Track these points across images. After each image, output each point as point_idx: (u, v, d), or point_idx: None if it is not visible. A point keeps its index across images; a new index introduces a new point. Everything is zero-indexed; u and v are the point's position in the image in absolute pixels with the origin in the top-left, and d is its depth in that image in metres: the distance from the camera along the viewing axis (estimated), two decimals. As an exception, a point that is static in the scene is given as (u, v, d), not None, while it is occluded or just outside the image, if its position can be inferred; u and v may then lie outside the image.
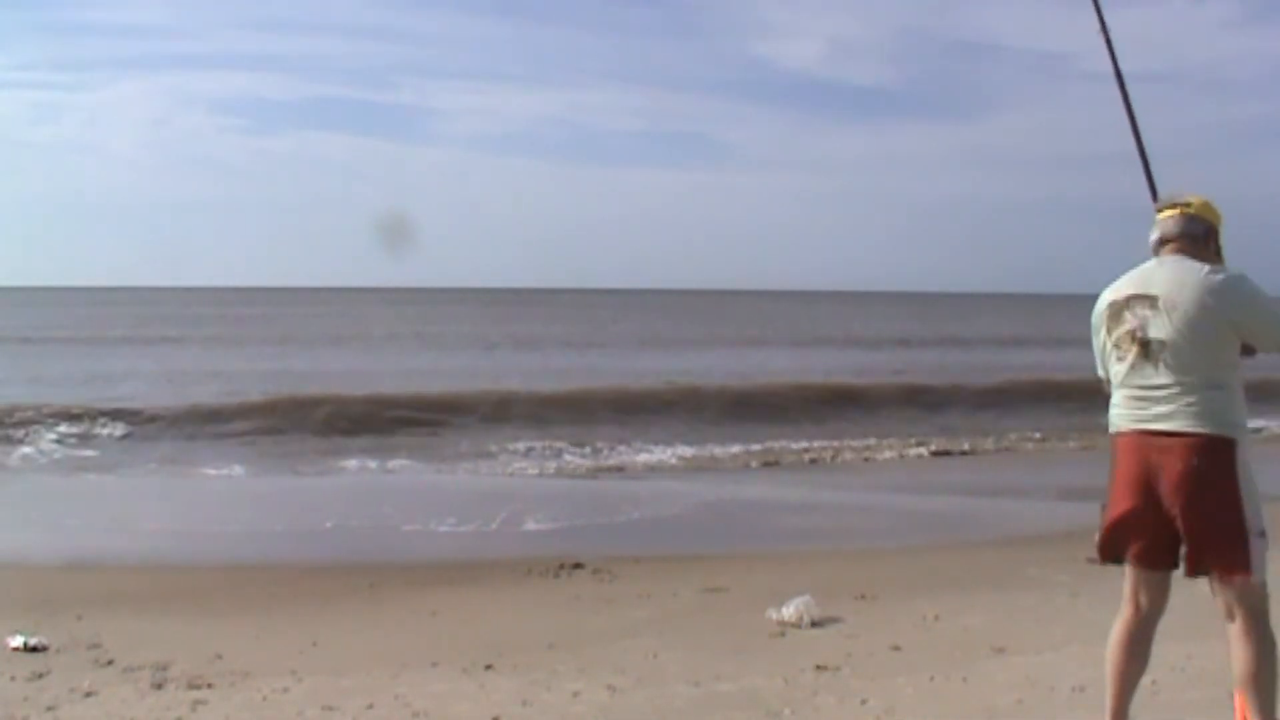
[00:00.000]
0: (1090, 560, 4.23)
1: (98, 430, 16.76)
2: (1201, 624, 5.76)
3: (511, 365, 29.71)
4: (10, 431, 16.25)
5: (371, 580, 8.10)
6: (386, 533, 10.42)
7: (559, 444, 16.03)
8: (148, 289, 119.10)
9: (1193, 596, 6.96)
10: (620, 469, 14.60)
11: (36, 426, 16.50)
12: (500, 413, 19.16)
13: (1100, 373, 3.92)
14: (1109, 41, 4.32)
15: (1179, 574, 3.84)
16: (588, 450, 15.70)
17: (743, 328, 53.95)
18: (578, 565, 8.43)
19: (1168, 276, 3.68)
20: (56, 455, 14.93)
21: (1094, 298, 3.90)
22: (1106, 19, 4.36)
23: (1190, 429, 3.58)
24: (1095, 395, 4.08)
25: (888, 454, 15.94)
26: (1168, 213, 3.82)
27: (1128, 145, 4.19)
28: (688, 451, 15.75)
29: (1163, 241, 3.78)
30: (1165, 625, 6.27)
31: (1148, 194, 4.08)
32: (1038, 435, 17.72)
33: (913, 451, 16.09)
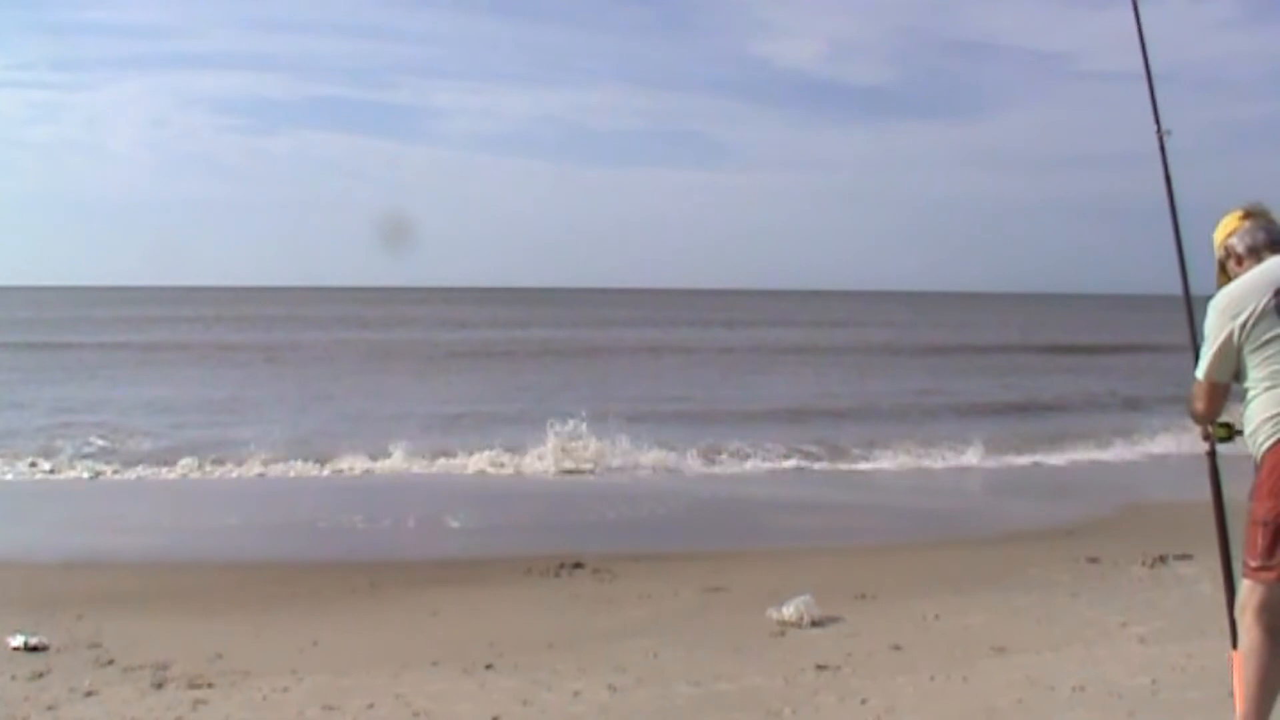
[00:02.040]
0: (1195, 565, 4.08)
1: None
2: (1202, 624, 5.79)
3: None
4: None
5: (372, 579, 8.10)
6: (387, 531, 10.42)
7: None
8: (147, 288, 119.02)
9: (1192, 597, 7.00)
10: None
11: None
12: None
13: (1210, 374, 3.79)
14: (1144, 47, 4.37)
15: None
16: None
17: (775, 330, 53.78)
18: (578, 565, 8.43)
19: None
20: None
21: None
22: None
23: None
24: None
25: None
26: (1265, 219, 3.90)
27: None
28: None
29: (1274, 244, 3.84)
30: (1165, 625, 6.30)
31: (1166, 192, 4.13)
32: None
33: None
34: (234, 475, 13.50)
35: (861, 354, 36.86)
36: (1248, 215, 3.92)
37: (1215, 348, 3.76)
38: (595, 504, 11.82)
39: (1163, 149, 4.36)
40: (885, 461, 14.88)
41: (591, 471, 13.93)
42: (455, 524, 10.72)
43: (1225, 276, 3.92)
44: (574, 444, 14.53)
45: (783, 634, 6.40)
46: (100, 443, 15.43)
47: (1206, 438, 3.98)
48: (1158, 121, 4.39)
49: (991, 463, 14.91)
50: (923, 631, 6.37)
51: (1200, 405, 3.88)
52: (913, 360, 34.87)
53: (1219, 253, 3.96)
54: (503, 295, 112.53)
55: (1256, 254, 3.82)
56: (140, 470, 13.70)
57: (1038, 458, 15.20)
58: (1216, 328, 3.75)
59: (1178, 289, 4.25)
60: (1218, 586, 4.12)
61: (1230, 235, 3.92)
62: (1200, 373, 3.83)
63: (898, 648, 5.96)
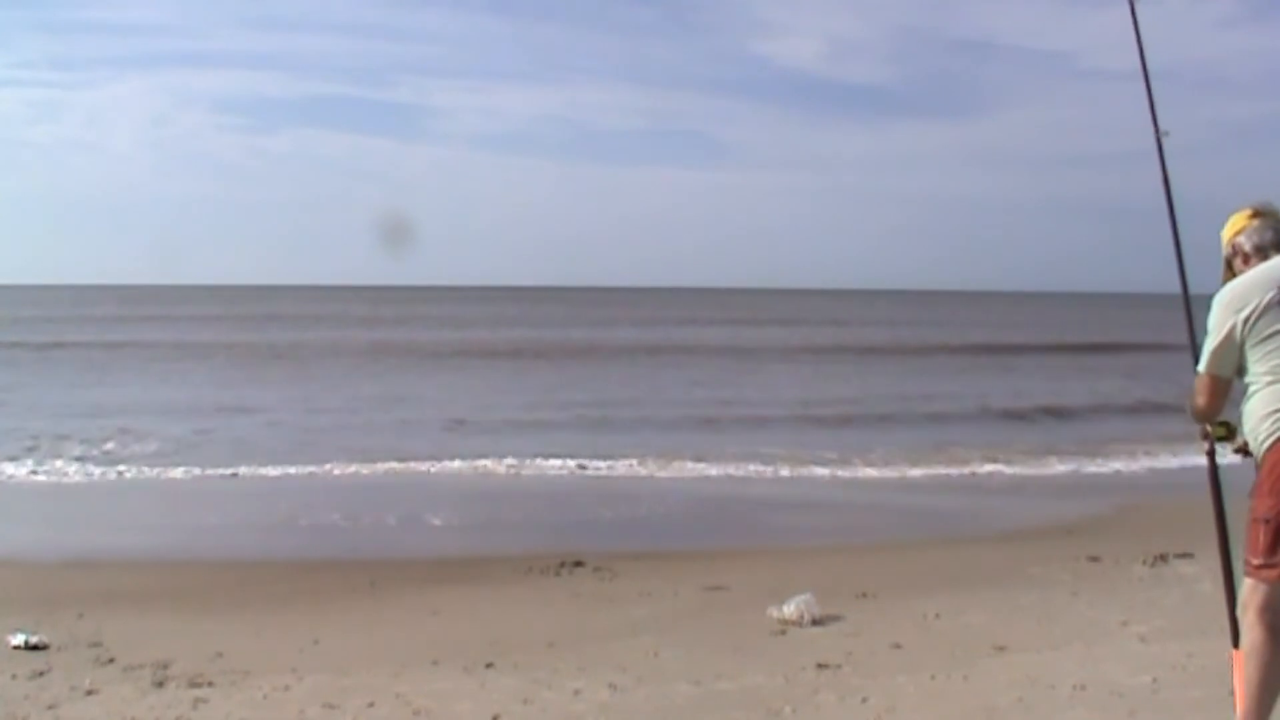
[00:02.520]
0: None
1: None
2: (1202, 623, 5.79)
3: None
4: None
5: (372, 578, 8.10)
6: (387, 530, 10.43)
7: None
8: (148, 287, 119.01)
9: (1193, 596, 7.00)
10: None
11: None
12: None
13: (1211, 367, 3.80)
14: (1140, 45, 4.38)
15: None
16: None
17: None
18: (578, 563, 8.43)
19: None
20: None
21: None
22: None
23: None
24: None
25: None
26: (1274, 218, 3.91)
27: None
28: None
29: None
30: (1166, 624, 6.30)
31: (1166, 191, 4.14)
32: None
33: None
34: (235, 474, 13.49)
35: (864, 354, 36.81)
36: (1257, 214, 3.93)
37: (1217, 341, 3.76)
38: (596, 503, 11.82)
39: (1160, 150, 4.36)
40: (895, 469, 14.38)
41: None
42: (455, 523, 10.73)
43: (1231, 273, 3.92)
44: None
45: (783, 633, 6.40)
46: (104, 443, 15.43)
47: (1205, 437, 3.98)
48: (1155, 123, 4.40)
49: (1019, 470, 14.39)
50: (923, 630, 6.36)
51: (1202, 400, 3.88)
52: (915, 360, 34.84)
53: (1226, 250, 3.97)
54: (502, 294, 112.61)
55: (1263, 252, 3.83)
56: (142, 469, 13.70)
57: (1062, 467, 14.61)
58: (1219, 321, 3.76)
59: (1178, 287, 4.25)
60: (1219, 585, 4.11)
61: (1238, 233, 3.92)
62: (1202, 366, 3.84)
63: (898, 646, 5.96)
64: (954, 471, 14.29)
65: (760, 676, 5.40)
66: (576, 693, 5.17)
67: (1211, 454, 4.02)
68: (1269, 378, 3.68)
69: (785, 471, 14.09)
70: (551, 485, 13.19)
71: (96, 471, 13.50)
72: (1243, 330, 3.70)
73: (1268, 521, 3.63)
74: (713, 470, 14.04)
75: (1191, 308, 4.11)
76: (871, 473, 14.12)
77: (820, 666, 5.55)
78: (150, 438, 15.97)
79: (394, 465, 14.08)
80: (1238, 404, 3.83)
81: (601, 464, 14.12)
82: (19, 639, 6.08)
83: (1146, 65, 4.45)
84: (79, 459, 14.17)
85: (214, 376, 26.67)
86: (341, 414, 19.84)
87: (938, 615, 6.66)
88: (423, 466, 14.05)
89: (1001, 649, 5.84)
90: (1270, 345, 3.67)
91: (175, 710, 4.96)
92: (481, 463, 14.22)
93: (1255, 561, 3.66)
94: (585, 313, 67.40)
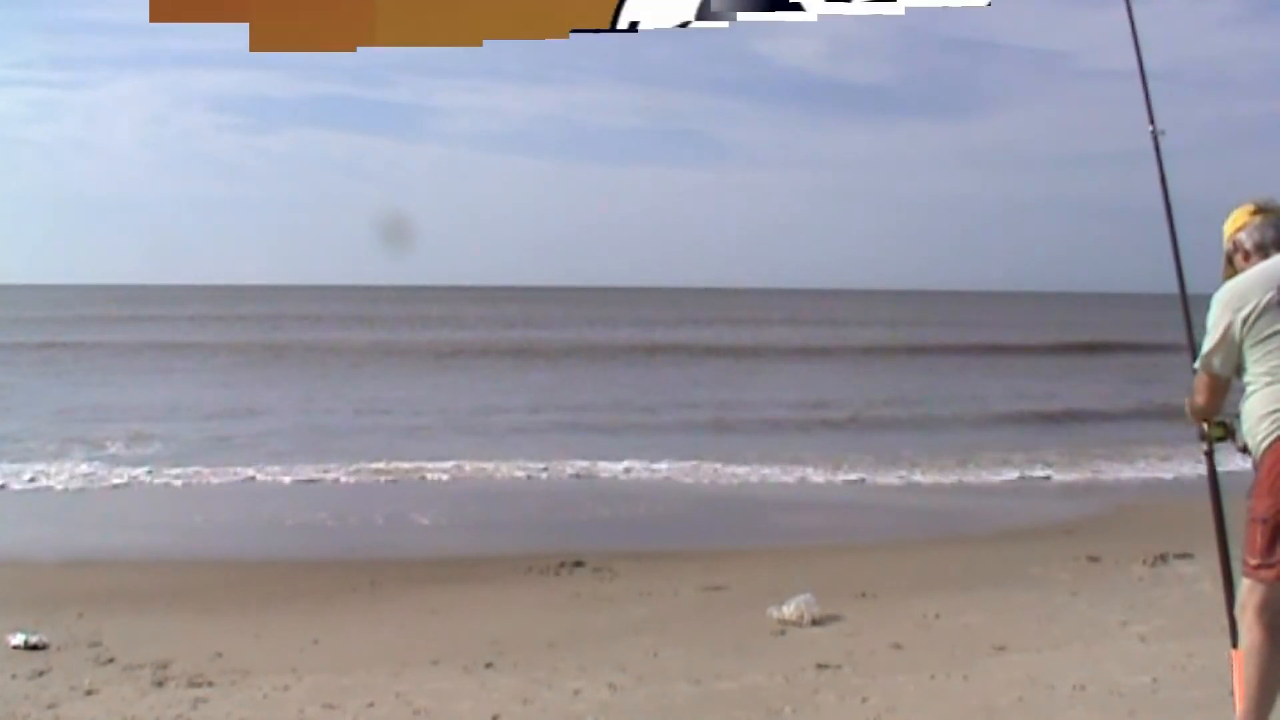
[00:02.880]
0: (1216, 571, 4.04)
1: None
2: (1202, 623, 5.79)
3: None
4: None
5: (372, 578, 8.10)
6: (387, 530, 10.43)
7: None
8: (147, 286, 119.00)
9: (1192, 596, 7.00)
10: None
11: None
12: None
13: (1209, 366, 3.81)
14: (1136, 42, 4.38)
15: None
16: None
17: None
18: (578, 563, 8.43)
19: None
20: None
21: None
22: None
23: None
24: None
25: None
26: (1275, 215, 3.90)
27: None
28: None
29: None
30: (1166, 624, 6.30)
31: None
32: None
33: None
34: (235, 475, 13.49)
35: (866, 354, 36.78)
36: (1258, 211, 3.91)
37: (1216, 340, 3.76)
38: (596, 503, 11.82)
39: (1157, 148, 4.36)
40: (944, 474, 13.83)
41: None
42: (455, 523, 10.74)
43: (1232, 270, 3.90)
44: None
45: (783, 633, 6.40)
46: (104, 442, 15.42)
47: (1204, 437, 3.97)
48: (1152, 121, 4.40)
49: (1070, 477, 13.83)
50: (923, 630, 6.36)
51: (1201, 399, 3.88)
52: (917, 360, 34.83)
53: (1226, 246, 3.95)
54: (502, 294, 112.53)
55: (1264, 250, 3.81)
56: (141, 469, 13.70)
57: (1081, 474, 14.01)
58: (1218, 320, 3.75)
59: (1177, 287, 4.24)
60: (1218, 585, 4.12)
61: (1239, 230, 3.91)
62: (1200, 364, 3.84)
63: (898, 646, 5.96)
64: (999, 477, 13.77)
65: (760, 676, 5.40)
66: (576, 693, 5.17)
67: (1210, 454, 4.02)
68: (1268, 378, 3.67)
69: (813, 477, 13.66)
70: (551, 485, 13.19)
71: (96, 471, 13.50)
72: (1241, 329, 3.70)
73: (1265, 521, 3.63)
74: (740, 477, 13.63)
75: (1190, 307, 4.11)
76: (922, 479, 13.63)
77: (820, 666, 5.56)
78: (150, 437, 15.96)
79: (394, 465, 14.06)
80: (1237, 404, 3.83)
81: (603, 464, 14.11)
82: (19, 639, 6.08)
83: (1143, 63, 4.45)
84: (78, 459, 14.16)
85: (214, 376, 26.65)
86: (340, 414, 19.83)
87: (938, 615, 6.66)
88: (422, 466, 14.04)
89: (1001, 649, 5.84)
90: (1269, 345, 3.66)
91: (175, 710, 4.96)
92: (481, 463, 14.22)
93: (1253, 561, 3.66)
94: (585, 313, 67.33)
